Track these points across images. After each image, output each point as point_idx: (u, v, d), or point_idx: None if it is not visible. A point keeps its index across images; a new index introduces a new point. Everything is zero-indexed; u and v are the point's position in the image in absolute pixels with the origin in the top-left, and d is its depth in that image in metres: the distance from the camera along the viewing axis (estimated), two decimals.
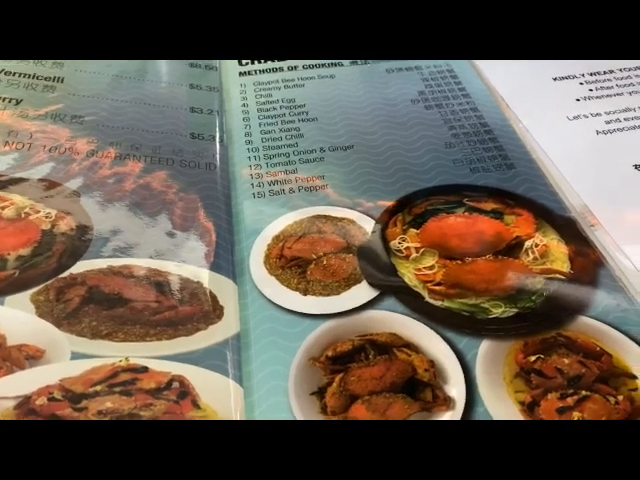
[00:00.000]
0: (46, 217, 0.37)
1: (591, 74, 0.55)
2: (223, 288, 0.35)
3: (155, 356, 0.31)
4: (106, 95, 0.48)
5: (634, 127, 0.49)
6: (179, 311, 0.33)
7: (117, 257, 0.35)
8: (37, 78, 0.47)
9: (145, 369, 0.30)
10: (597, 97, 0.52)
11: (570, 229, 0.39)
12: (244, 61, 0.56)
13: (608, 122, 0.49)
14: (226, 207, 0.41)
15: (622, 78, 0.55)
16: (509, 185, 0.42)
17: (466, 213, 0.40)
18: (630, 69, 0.56)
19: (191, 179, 0.42)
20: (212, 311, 0.34)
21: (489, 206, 0.41)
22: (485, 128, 0.48)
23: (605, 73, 0.55)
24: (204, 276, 0.35)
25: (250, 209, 0.41)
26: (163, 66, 0.53)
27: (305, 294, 0.36)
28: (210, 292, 0.35)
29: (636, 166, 0.45)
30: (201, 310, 0.34)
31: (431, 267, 0.37)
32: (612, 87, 0.54)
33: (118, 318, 0.32)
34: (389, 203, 0.42)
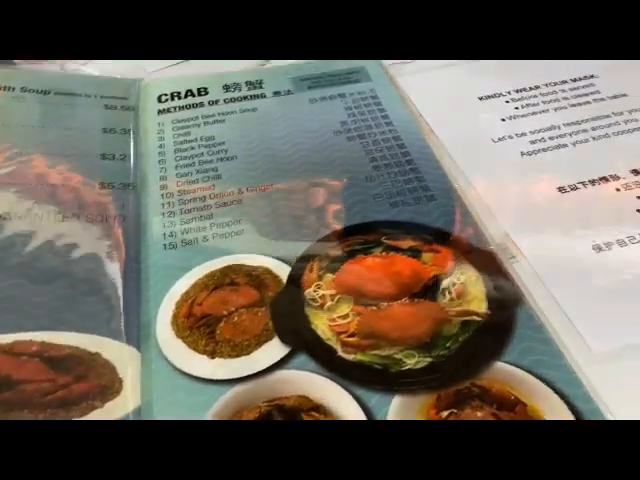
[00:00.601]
0: None
1: (517, 91, 0.55)
2: (124, 357, 0.33)
3: None
4: (6, 145, 0.45)
5: (558, 146, 0.48)
6: (73, 389, 0.31)
7: (6, 333, 0.33)
8: None
9: None
10: (522, 115, 0.52)
11: (489, 263, 0.38)
12: (163, 97, 0.55)
13: (533, 142, 0.49)
14: (135, 264, 0.39)
15: (547, 94, 0.54)
16: (428, 219, 0.41)
17: (383, 253, 0.39)
18: (556, 83, 0.55)
19: (96, 235, 0.40)
20: (110, 385, 0.32)
21: (407, 244, 0.39)
22: (407, 158, 0.47)
23: (531, 89, 0.55)
24: (103, 345, 0.34)
25: (160, 263, 0.39)
26: (75, 110, 0.51)
27: (212, 357, 0.34)
28: (109, 363, 0.33)
29: (560, 189, 0.44)
30: (98, 385, 0.32)
31: (345, 316, 0.35)
32: (538, 104, 0.53)
33: (4, 404, 0.30)
34: (307, 247, 0.40)
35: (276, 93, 0.55)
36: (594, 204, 0.43)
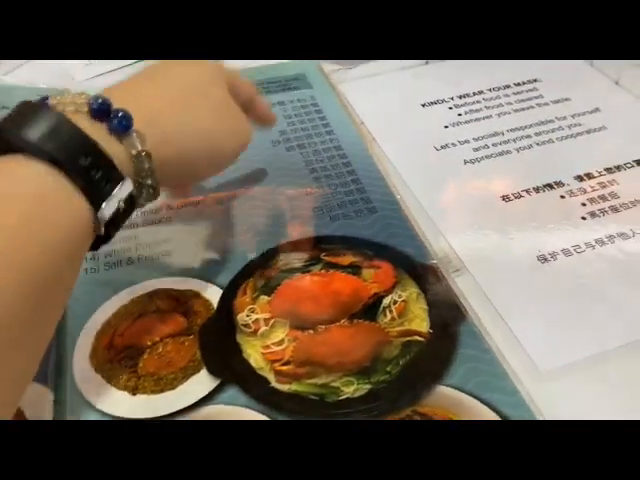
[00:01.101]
0: None
1: (460, 97, 0.53)
2: (33, 397, 0.30)
3: None
4: None
5: (502, 153, 0.47)
6: None
7: None
8: None
9: None
10: (466, 122, 0.50)
11: (432, 278, 0.36)
12: None
13: (476, 149, 0.47)
14: None
15: (491, 99, 0.53)
16: (369, 233, 0.39)
17: (322, 270, 0.37)
18: (499, 88, 0.54)
19: None
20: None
21: (347, 260, 0.37)
22: (348, 168, 0.45)
23: (474, 94, 0.54)
24: None
25: (79, 289, 0.36)
26: None
27: (134, 393, 0.31)
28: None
29: (504, 197, 0.43)
30: None
31: (280, 342, 0.33)
32: (481, 109, 0.52)
33: None
34: (241, 266, 0.37)
35: None
36: (539, 213, 0.42)
